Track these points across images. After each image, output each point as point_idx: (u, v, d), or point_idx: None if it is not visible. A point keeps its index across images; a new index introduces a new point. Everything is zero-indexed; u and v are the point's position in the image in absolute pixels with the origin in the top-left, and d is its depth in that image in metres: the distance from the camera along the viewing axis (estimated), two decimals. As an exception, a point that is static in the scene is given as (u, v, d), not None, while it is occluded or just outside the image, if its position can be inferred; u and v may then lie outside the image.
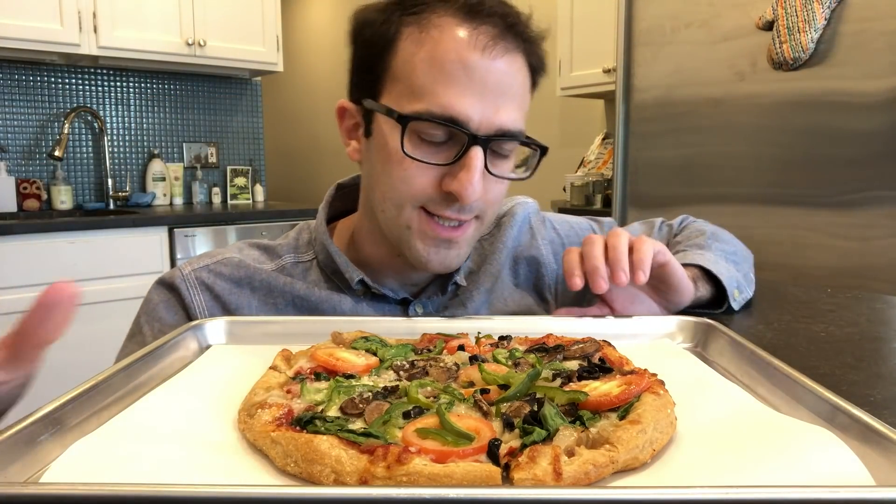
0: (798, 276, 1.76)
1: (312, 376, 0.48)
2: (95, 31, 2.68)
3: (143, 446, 0.38)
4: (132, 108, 3.17)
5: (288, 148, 4.90)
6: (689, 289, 0.71)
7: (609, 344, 0.56)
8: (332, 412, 0.42)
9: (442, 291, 0.77)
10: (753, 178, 1.87)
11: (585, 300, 0.81)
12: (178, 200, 3.27)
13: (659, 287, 0.70)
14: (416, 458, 0.35)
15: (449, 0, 0.65)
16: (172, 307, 0.72)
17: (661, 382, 0.46)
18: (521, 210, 0.87)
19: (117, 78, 3.11)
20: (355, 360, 0.51)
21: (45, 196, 2.92)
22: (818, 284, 1.00)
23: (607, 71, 2.68)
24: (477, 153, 0.64)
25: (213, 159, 3.43)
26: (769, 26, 1.79)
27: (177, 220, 2.67)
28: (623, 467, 0.37)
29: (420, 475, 0.34)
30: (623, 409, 0.42)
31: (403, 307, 0.76)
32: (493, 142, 0.65)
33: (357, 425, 0.40)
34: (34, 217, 2.76)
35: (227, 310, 0.72)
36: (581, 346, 0.54)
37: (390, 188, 0.67)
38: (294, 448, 0.37)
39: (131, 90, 3.16)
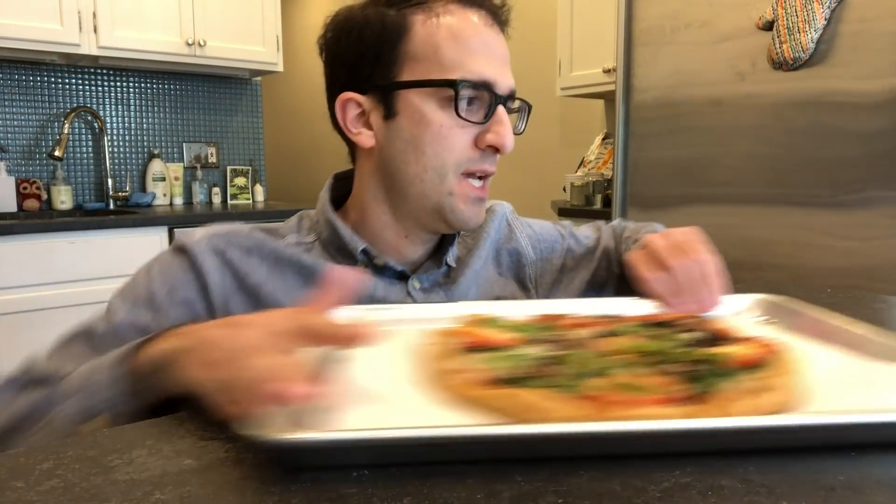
0: (798, 276, 1.76)
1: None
2: (95, 31, 2.67)
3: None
4: (132, 108, 3.17)
5: (288, 148, 4.90)
6: None
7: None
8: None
9: (438, 267, 0.83)
10: (753, 178, 1.87)
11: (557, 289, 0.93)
12: (178, 200, 3.27)
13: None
14: (638, 404, 0.40)
15: None
16: (184, 270, 0.74)
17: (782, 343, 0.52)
18: (500, 209, 0.95)
19: (117, 78, 3.11)
20: (500, 335, 0.55)
21: (45, 196, 2.92)
22: (818, 284, 1.00)
23: (607, 71, 2.68)
24: (504, 110, 0.75)
25: (213, 159, 3.43)
26: (769, 26, 1.79)
27: (177, 220, 2.67)
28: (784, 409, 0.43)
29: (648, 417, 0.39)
30: (756, 368, 0.47)
31: (402, 282, 0.80)
32: (508, 101, 0.77)
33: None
34: (34, 217, 2.76)
35: (236, 276, 0.74)
36: (693, 320, 0.60)
37: (434, 157, 0.74)
38: (511, 405, 0.42)
39: (131, 90, 3.16)
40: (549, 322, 0.60)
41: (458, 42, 0.73)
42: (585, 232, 1.00)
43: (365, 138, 0.77)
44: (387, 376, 0.51)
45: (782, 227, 1.79)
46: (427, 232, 0.81)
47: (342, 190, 0.85)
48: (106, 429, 0.44)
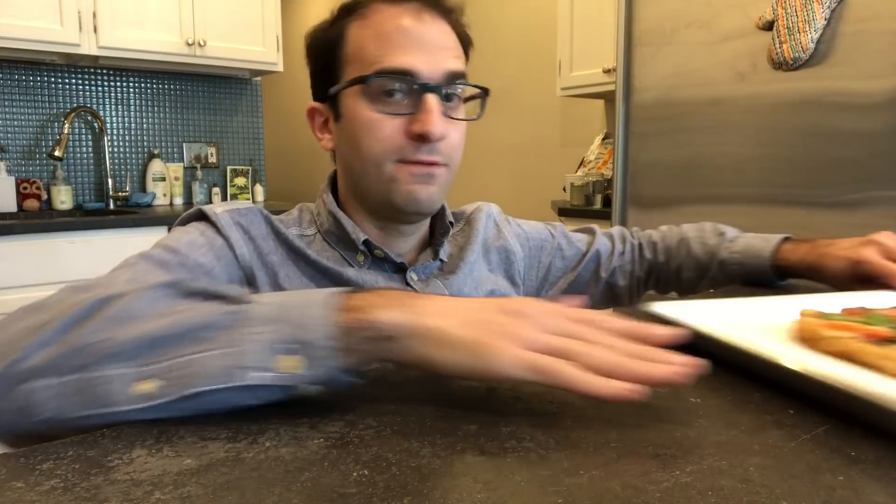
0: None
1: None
2: (95, 31, 2.67)
3: None
4: (132, 108, 3.17)
5: (288, 148, 4.90)
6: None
7: None
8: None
9: (434, 257, 0.86)
10: (753, 178, 1.87)
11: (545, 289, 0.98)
12: (179, 200, 3.27)
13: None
14: None
15: None
16: (212, 236, 0.75)
17: None
18: (486, 209, 0.97)
19: (117, 78, 3.11)
20: (866, 326, 0.57)
21: (45, 196, 2.92)
22: (818, 284, 1.00)
23: (607, 71, 2.68)
24: (433, 98, 0.73)
25: (213, 159, 3.43)
26: (769, 26, 1.79)
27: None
28: None
29: None
30: None
31: (400, 274, 0.83)
32: (444, 87, 0.75)
33: None
34: (34, 217, 2.76)
35: (259, 252, 0.77)
36: None
37: (368, 149, 0.76)
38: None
39: (131, 90, 3.16)
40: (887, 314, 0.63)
41: (378, 38, 0.75)
42: (579, 235, 1.04)
43: (326, 142, 0.83)
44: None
45: (782, 227, 1.78)
46: (395, 222, 0.82)
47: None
48: (106, 429, 0.44)
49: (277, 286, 0.77)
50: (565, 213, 2.75)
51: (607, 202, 2.68)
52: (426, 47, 0.74)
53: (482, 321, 0.47)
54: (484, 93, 0.82)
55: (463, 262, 0.88)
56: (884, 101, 1.60)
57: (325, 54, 0.79)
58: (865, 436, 0.43)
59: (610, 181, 2.56)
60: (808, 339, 0.56)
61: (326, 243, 0.82)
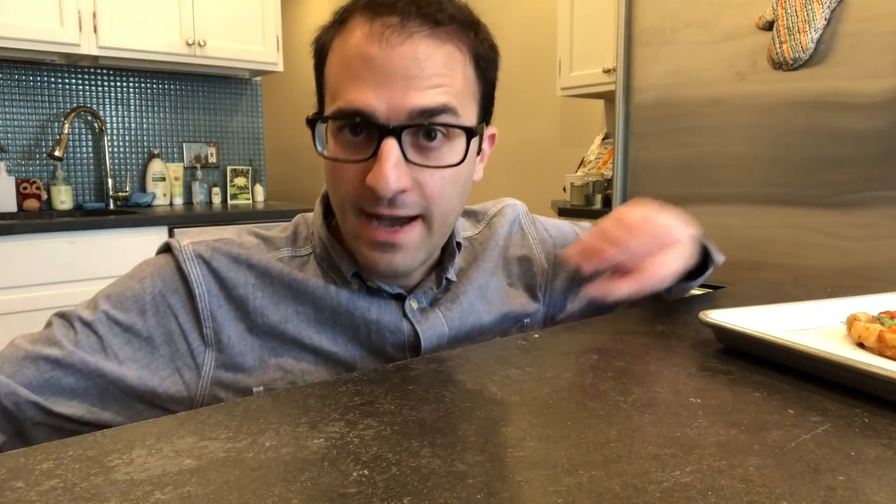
0: (798, 276, 1.76)
1: None
2: (95, 31, 2.68)
3: None
4: (132, 108, 3.17)
5: (288, 148, 4.90)
6: (681, 227, 0.77)
7: None
8: None
9: (437, 286, 0.78)
10: (753, 178, 1.87)
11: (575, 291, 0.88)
12: (178, 200, 3.27)
13: (655, 235, 0.75)
14: None
15: (359, 2, 0.66)
16: (171, 275, 0.71)
17: None
18: (511, 211, 0.88)
19: (117, 78, 3.11)
20: None
21: (45, 196, 2.92)
22: (818, 284, 1.00)
23: (607, 71, 2.68)
24: (389, 144, 0.62)
25: (213, 159, 3.43)
26: (769, 26, 1.79)
27: (177, 220, 2.67)
28: None
29: None
30: None
31: (399, 302, 0.75)
32: (408, 129, 0.63)
33: None
34: (34, 217, 2.76)
35: (223, 285, 0.71)
36: None
37: (332, 195, 0.70)
38: None
39: (131, 90, 3.16)
40: None
41: (342, 67, 0.65)
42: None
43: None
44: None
45: (782, 227, 1.79)
46: None
47: None
48: (106, 429, 0.44)
49: (248, 317, 0.70)
50: (565, 213, 2.75)
51: (607, 202, 2.67)
52: (390, 80, 0.62)
53: None
54: (467, 134, 0.67)
55: (469, 282, 0.80)
56: (884, 101, 1.60)
57: (316, 65, 0.71)
58: (865, 436, 0.43)
59: (610, 181, 2.56)
60: (872, 345, 0.59)
61: (320, 267, 0.75)
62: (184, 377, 0.68)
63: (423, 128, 0.64)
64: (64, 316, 0.68)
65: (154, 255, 0.74)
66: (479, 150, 0.73)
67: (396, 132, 0.63)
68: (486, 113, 0.72)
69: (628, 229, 0.72)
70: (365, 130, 0.64)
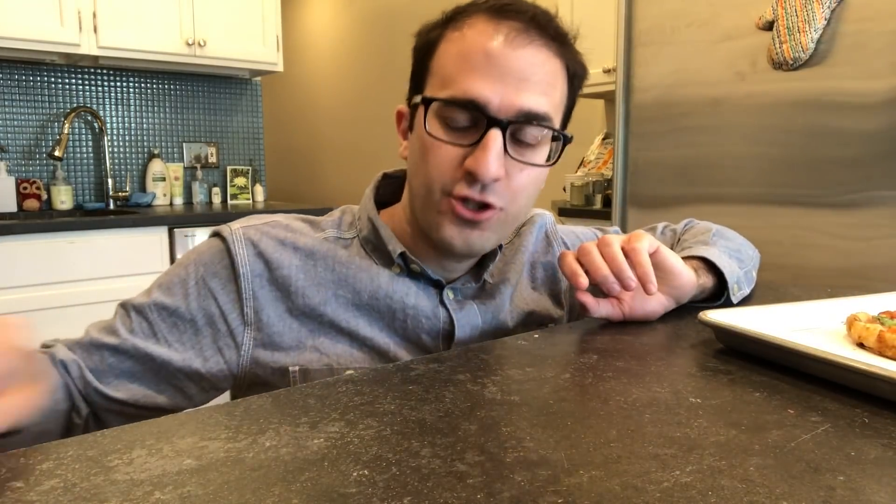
0: (798, 276, 1.76)
1: None
2: (95, 31, 2.68)
3: None
4: (132, 108, 3.17)
5: (288, 148, 4.90)
6: (688, 274, 0.75)
7: None
8: None
9: (475, 281, 0.82)
10: (753, 178, 1.87)
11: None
12: (178, 200, 3.27)
13: (658, 273, 0.73)
14: None
15: (481, 4, 0.71)
16: (219, 257, 0.75)
17: None
18: (539, 220, 0.92)
19: (117, 78, 3.11)
20: None
21: (45, 196, 2.92)
22: (818, 284, 1.00)
23: (607, 71, 2.68)
24: (495, 134, 0.67)
25: (213, 159, 3.43)
26: (769, 26, 1.79)
27: (177, 220, 2.67)
28: None
29: None
30: None
31: (437, 290, 0.79)
32: (514, 125, 0.69)
33: None
34: (34, 217, 2.76)
35: (268, 266, 0.74)
36: None
37: (424, 173, 0.72)
38: None
39: (131, 90, 3.16)
40: None
41: (460, 57, 0.70)
42: None
43: (402, 149, 0.78)
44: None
45: (782, 227, 1.79)
46: (438, 253, 0.78)
47: (389, 189, 0.84)
48: (106, 429, 0.44)
49: (289, 297, 0.74)
50: (565, 213, 2.75)
51: (607, 202, 2.67)
52: (506, 77, 0.68)
53: None
54: (563, 139, 0.75)
55: (504, 283, 0.83)
56: (884, 101, 1.60)
57: (419, 58, 0.75)
58: (865, 436, 0.43)
59: (610, 181, 2.56)
60: (872, 345, 0.59)
61: (363, 249, 0.79)
62: (225, 356, 0.72)
63: (525, 127, 0.69)
64: (124, 305, 0.73)
65: (207, 239, 0.79)
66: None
67: (503, 125, 0.68)
68: (565, 125, 0.79)
69: (634, 254, 0.71)
70: (472, 119, 0.69)
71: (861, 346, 0.60)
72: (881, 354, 0.58)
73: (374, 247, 0.78)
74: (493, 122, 0.68)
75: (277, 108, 4.93)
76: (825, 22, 1.68)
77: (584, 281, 0.69)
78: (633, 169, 2.17)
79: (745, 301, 0.84)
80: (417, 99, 0.73)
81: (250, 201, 3.51)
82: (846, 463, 0.39)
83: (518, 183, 0.71)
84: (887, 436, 0.43)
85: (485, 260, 0.82)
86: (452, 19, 0.72)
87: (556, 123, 0.73)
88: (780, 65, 1.77)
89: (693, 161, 2.01)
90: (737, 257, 0.86)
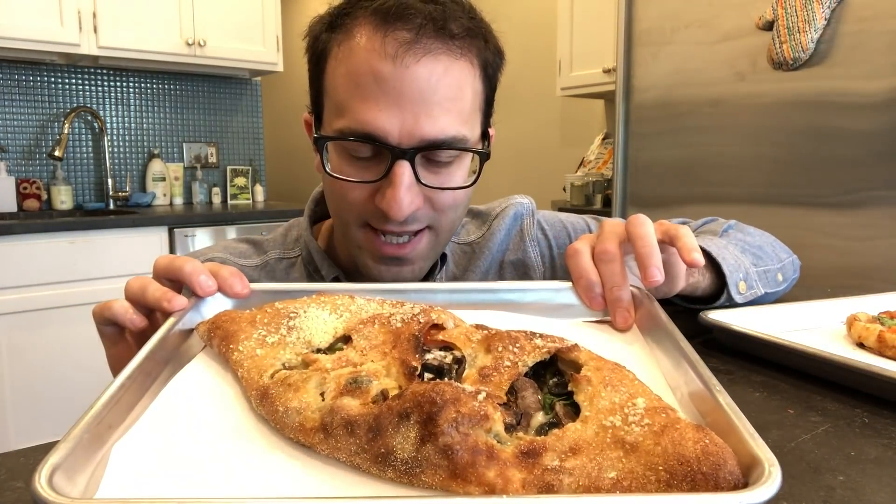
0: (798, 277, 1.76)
1: None
2: (95, 31, 2.67)
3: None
4: (132, 108, 3.17)
5: (288, 148, 4.90)
6: (678, 274, 0.62)
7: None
8: None
9: None
10: (753, 178, 1.87)
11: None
12: (178, 200, 3.27)
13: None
14: None
15: (366, 6, 0.63)
16: None
17: None
18: (513, 210, 0.85)
19: (117, 78, 3.11)
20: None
21: (45, 196, 2.92)
22: (818, 284, 1.00)
23: (607, 71, 2.68)
24: (402, 168, 0.61)
25: (213, 159, 3.43)
26: (769, 26, 1.79)
27: (177, 220, 2.67)
28: None
29: None
30: None
31: None
32: (422, 153, 0.62)
33: None
34: (34, 217, 2.76)
35: None
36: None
37: (335, 207, 0.68)
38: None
39: (131, 90, 3.16)
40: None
41: (349, 81, 0.62)
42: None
43: (317, 164, 0.69)
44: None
45: (782, 227, 1.78)
46: None
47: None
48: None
49: None
50: (565, 212, 2.75)
51: (607, 202, 2.68)
52: (402, 102, 0.60)
53: None
54: (480, 157, 0.67)
55: None
56: (884, 101, 1.60)
57: (312, 67, 0.68)
58: (865, 436, 0.43)
59: (610, 181, 2.56)
60: (872, 345, 0.59)
61: (306, 270, 0.75)
62: None
63: (435, 151, 0.63)
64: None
65: None
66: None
67: (409, 155, 0.61)
68: (488, 118, 0.72)
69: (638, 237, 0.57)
70: (375, 150, 0.62)
71: (861, 346, 0.60)
72: (881, 354, 0.57)
73: (314, 268, 0.75)
74: (398, 154, 0.61)
75: (277, 108, 4.93)
76: (825, 22, 1.67)
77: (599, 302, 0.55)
78: (633, 169, 2.17)
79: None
80: (315, 134, 0.66)
81: (250, 201, 3.50)
82: (846, 463, 0.39)
83: (442, 203, 0.65)
84: (887, 436, 0.43)
85: (433, 269, 0.76)
86: (340, 22, 0.64)
87: (473, 133, 0.66)
88: (780, 65, 1.77)
89: (693, 161, 2.01)
90: (753, 253, 0.76)
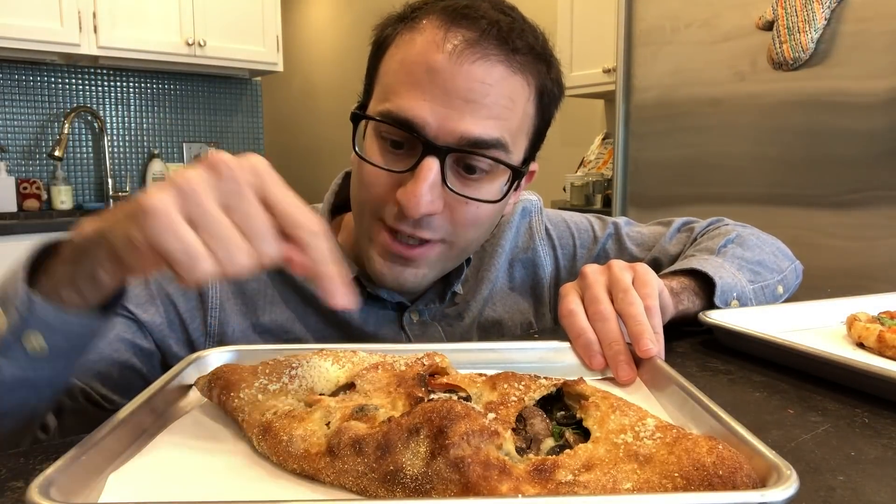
0: (798, 276, 1.76)
1: None
2: (95, 30, 2.67)
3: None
4: (132, 108, 3.17)
5: (288, 148, 4.90)
6: (666, 306, 0.61)
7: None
8: None
9: (440, 299, 0.74)
10: (753, 178, 1.87)
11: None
12: (178, 200, 3.27)
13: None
14: None
15: (438, 3, 0.62)
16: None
17: None
18: (522, 209, 0.84)
19: (117, 78, 3.11)
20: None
21: (45, 196, 2.92)
22: (818, 284, 1.00)
23: (607, 71, 2.68)
24: (431, 163, 0.59)
25: (213, 159, 3.44)
26: (769, 26, 1.78)
27: (177, 220, 2.67)
28: None
29: None
30: None
31: (399, 312, 0.73)
32: (454, 153, 0.60)
33: None
34: (34, 217, 2.76)
35: (236, 279, 0.67)
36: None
37: (356, 193, 0.66)
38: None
39: (131, 90, 3.16)
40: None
41: (402, 68, 0.61)
42: (643, 236, 0.87)
43: (353, 158, 0.68)
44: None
45: (782, 227, 1.78)
46: None
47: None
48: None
49: (254, 313, 0.69)
50: (567, 211, 2.75)
51: (607, 202, 2.67)
52: (450, 97, 0.58)
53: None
54: (513, 174, 0.64)
55: (474, 297, 0.77)
56: (884, 101, 1.60)
57: (372, 56, 0.67)
58: (865, 436, 0.43)
59: (610, 181, 2.56)
60: (872, 345, 0.59)
61: None
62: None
63: (470, 156, 0.60)
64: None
65: None
66: (518, 186, 0.69)
67: (441, 153, 0.59)
68: (534, 150, 0.69)
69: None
70: (409, 142, 0.60)
71: (861, 346, 0.60)
72: (881, 354, 0.57)
73: None
74: (430, 148, 0.59)
75: (277, 108, 4.93)
76: (825, 22, 1.67)
77: (601, 360, 0.53)
78: (632, 169, 2.17)
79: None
80: (360, 111, 0.65)
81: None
82: (846, 463, 0.39)
83: (463, 217, 0.63)
84: (887, 436, 0.43)
85: (450, 276, 0.74)
86: (411, 16, 0.63)
87: (515, 152, 0.64)
88: (780, 65, 1.77)
89: (693, 161, 2.01)
90: (750, 269, 0.75)
